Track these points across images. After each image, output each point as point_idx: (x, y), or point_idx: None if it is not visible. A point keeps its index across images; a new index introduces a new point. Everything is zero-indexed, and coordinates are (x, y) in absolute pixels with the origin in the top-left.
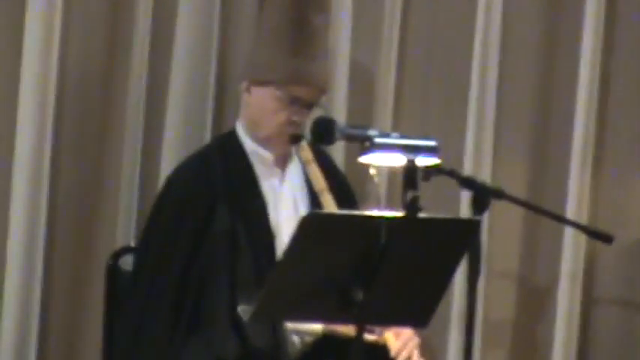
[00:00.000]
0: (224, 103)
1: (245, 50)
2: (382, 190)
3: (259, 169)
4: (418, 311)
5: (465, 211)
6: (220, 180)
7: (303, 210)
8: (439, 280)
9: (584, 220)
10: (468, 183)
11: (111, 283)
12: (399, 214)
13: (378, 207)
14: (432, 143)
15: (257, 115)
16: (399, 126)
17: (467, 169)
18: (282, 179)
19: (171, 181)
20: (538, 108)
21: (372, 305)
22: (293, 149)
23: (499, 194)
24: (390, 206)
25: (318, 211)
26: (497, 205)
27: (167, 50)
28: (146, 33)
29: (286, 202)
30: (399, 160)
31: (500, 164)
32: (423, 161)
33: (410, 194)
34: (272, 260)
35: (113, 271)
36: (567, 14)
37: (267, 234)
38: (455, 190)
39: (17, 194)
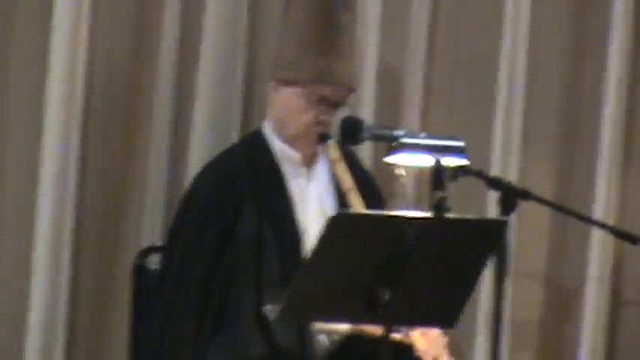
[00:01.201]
0: (252, 102)
1: (272, 49)
2: (409, 191)
3: (286, 169)
4: (445, 312)
5: (492, 211)
6: (247, 180)
7: (330, 210)
8: (466, 280)
9: (611, 221)
10: (495, 183)
11: (137, 282)
12: (426, 214)
13: (406, 207)
14: (459, 143)
15: (284, 115)
16: (426, 126)
17: (494, 170)
18: (309, 179)
19: (198, 180)
20: (566, 108)
21: (398, 305)
22: (320, 149)
23: (526, 195)
24: (417, 207)
25: (345, 210)
26: (524, 206)
27: (195, 50)
28: (174, 33)
29: (313, 201)
30: (426, 160)
31: (528, 165)
32: (450, 161)
33: (437, 195)
34: (298, 260)
35: (140, 270)
36: (595, 14)
37: (293, 234)
38: (482, 191)
39: (44, 194)
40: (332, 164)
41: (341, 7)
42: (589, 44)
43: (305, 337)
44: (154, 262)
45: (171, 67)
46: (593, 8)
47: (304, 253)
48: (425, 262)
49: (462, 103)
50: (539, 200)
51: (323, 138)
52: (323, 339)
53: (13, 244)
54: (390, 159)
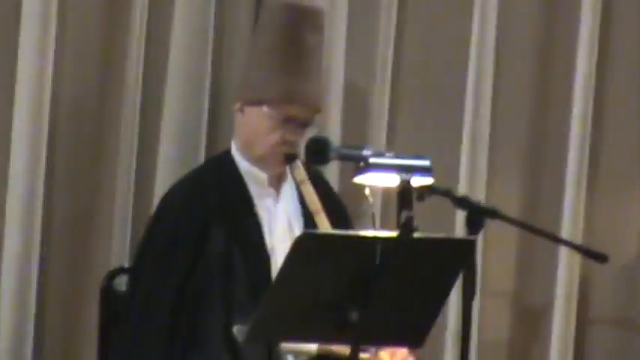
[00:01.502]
0: (218, 123)
1: (239, 70)
2: (377, 210)
3: (254, 190)
4: (413, 331)
5: (459, 230)
6: (215, 201)
7: (298, 230)
8: (434, 299)
9: (579, 239)
10: (462, 203)
11: (105, 304)
12: (394, 234)
13: (373, 227)
14: (426, 163)
15: (251, 135)
16: (393, 145)
17: (461, 189)
18: (276, 199)
19: (165, 202)
20: (532, 127)
21: (367, 325)
22: (287, 169)
23: (494, 214)
24: (384, 226)
25: (312, 231)
26: (491, 225)
27: (161, 71)
28: (140, 54)
29: (281, 222)
30: (393, 180)
31: (495, 184)
32: (417, 181)
33: (404, 214)
34: (267, 281)
35: (107, 291)
36: (561, 34)
37: (262, 254)
38: (450, 210)
39: (11, 215)
40: (299, 185)
41: (308, 28)
42: (556, 64)
43: (273, 357)
44: (121, 283)
45: (137, 90)
46: (560, 28)
47: (272, 273)
48: (393, 281)
49: (428, 122)
50: (507, 219)
51: (290, 158)
52: (291, 359)
53: None
54: (357, 179)
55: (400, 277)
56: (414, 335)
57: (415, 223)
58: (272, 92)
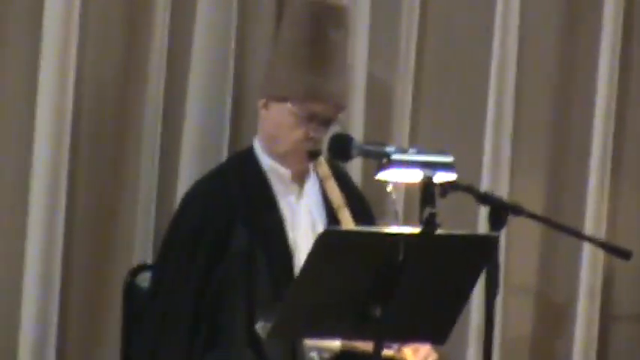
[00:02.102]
0: (241, 119)
1: (262, 66)
2: (399, 207)
3: (277, 186)
4: (436, 327)
5: (482, 226)
6: (237, 197)
7: (321, 227)
8: (457, 296)
9: (602, 235)
10: (485, 199)
11: (128, 301)
12: (417, 230)
13: (396, 223)
14: (449, 159)
15: (274, 132)
16: (416, 142)
17: (484, 185)
18: (299, 196)
19: (188, 198)
20: (555, 123)
21: (390, 321)
22: (310, 166)
23: (517, 210)
24: (407, 222)
25: (335, 227)
26: (514, 221)
27: (184, 67)
28: (162, 50)
29: (304, 218)
30: (416, 176)
31: (518, 180)
32: (440, 177)
33: (427, 210)
34: (290, 277)
35: (130, 288)
36: (585, 30)
37: (285, 251)
38: (472, 206)
39: (34, 211)
40: (322, 181)
41: (332, 25)
42: (578, 57)
43: (297, 354)
44: (144, 280)
45: (161, 81)
46: (583, 25)
47: (296, 270)
48: (416, 278)
49: (451, 117)
50: (530, 215)
51: (313, 155)
52: (314, 356)
53: (2, 264)
54: (380, 175)
55: (423, 274)
56: (436, 332)
57: (438, 219)
58: (296, 89)
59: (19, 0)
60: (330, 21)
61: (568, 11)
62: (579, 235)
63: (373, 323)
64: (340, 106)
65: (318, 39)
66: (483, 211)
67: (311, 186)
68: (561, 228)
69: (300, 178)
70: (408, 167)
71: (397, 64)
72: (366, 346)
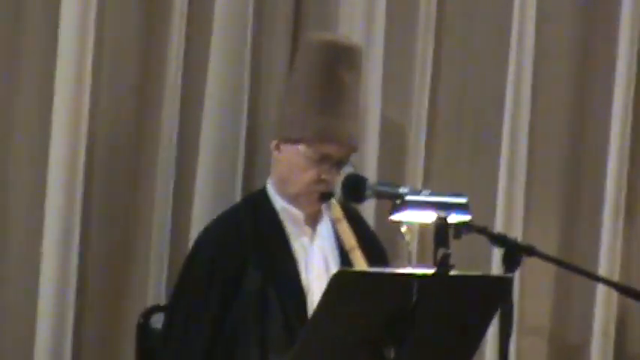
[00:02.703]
0: (254, 161)
1: (275, 107)
2: (413, 248)
3: (290, 228)
4: None
5: (496, 267)
6: (251, 239)
7: (334, 268)
8: (471, 337)
9: (616, 277)
10: (499, 240)
11: (141, 342)
12: (431, 271)
13: (410, 264)
14: (462, 200)
15: (287, 173)
16: (429, 183)
17: (498, 226)
18: (312, 237)
19: (201, 240)
20: (569, 165)
21: None
22: (323, 207)
23: (530, 251)
24: (421, 263)
25: (348, 269)
26: (528, 262)
27: (198, 108)
28: (176, 90)
29: (317, 260)
30: (430, 217)
31: (532, 221)
32: (454, 218)
33: (441, 251)
34: (303, 319)
35: (144, 329)
36: (599, 76)
37: (298, 293)
38: (486, 247)
39: (48, 251)
40: (335, 223)
41: (345, 66)
42: (592, 102)
43: None
44: (158, 321)
45: (174, 126)
46: (596, 70)
47: (309, 311)
48: (430, 319)
49: (465, 158)
50: (544, 256)
51: (325, 197)
52: None
53: (16, 305)
54: (394, 216)
55: (437, 315)
56: None
57: (452, 260)
58: (308, 131)
59: (33, 21)
60: (342, 62)
61: (581, 54)
62: (593, 277)
63: None
64: (352, 147)
65: (331, 80)
66: (497, 253)
67: (324, 227)
68: (575, 269)
69: (313, 220)
70: (421, 208)
71: (411, 106)
72: None
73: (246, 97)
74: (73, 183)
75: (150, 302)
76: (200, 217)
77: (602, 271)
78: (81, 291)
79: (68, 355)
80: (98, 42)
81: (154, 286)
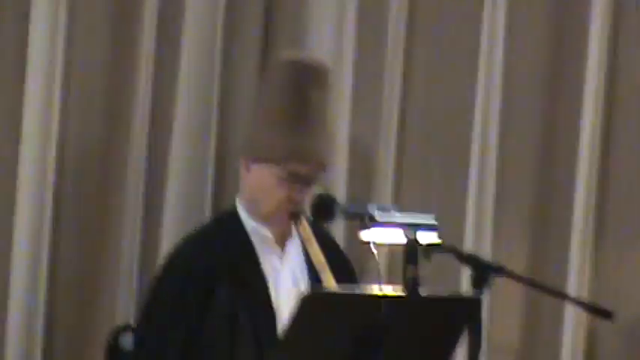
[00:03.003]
0: (224, 176)
1: (245, 127)
2: (382, 267)
3: (260, 247)
4: None
5: (465, 287)
6: (220, 259)
7: (304, 287)
8: (440, 357)
9: (584, 295)
10: (468, 259)
11: None
12: (399, 291)
13: (379, 283)
14: (432, 220)
15: (256, 193)
16: (399, 202)
17: (467, 245)
18: (282, 257)
19: (170, 261)
20: (538, 185)
21: None
22: (293, 226)
23: (500, 271)
24: (390, 282)
25: (317, 289)
26: (497, 282)
27: (166, 128)
28: (145, 110)
29: (286, 280)
30: (399, 236)
31: (501, 241)
32: (423, 238)
33: (410, 271)
34: (274, 339)
35: (113, 349)
36: (568, 86)
37: (268, 312)
38: (455, 267)
39: (17, 272)
40: (304, 242)
41: (314, 86)
42: (562, 119)
43: None
44: (127, 341)
45: (144, 141)
46: (566, 84)
47: (279, 331)
48: (399, 339)
49: (434, 177)
50: (513, 276)
51: (295, 216)
52: None
53: None
54: (363, 235)
55: (406, 335)
56: None
57: (421, 279)
58: (277, 151)
59: (2, 29)
60: (310, 81)
61: (551, 70)
62: (562, 296)
63: None
64: (322, 166)
65: (299, 100)
66: (466, 272)
67: (293, 246)
68: (544, 289)
69: (282, 239)
70: (391, 227)
71: (380, 124)
72: None
73: (215, 113)
74: (41, 200)
75: (119, 321)
76: (169, 236)
77: (571, 289)
78: (49, 310)
79: None
80: (68, 51)
81: (124, 305)
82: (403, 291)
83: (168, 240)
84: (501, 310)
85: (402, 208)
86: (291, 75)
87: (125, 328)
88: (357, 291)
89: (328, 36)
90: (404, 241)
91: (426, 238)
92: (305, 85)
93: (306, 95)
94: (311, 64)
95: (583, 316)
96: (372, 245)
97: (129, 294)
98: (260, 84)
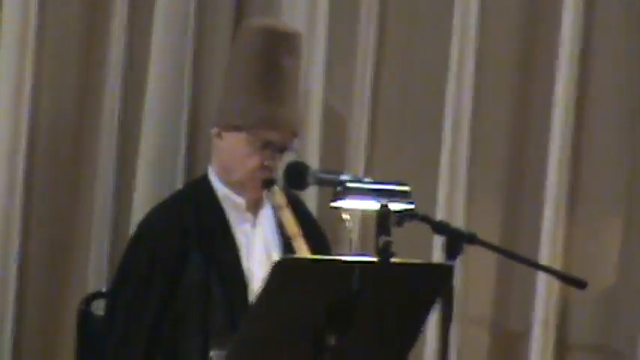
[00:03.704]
0: (196, 148)
1: (217, 95)
2: (355, 235)
3: (232, 215)
4: (391, 356)
5: (438, 255)
6: (193, 226)
7: (276, 255)
8: (412, 325)
9: (557, 265)
10: (440, 228)
11: (82, 328)
12: (372, 259)
13: (351, 252)
14: (404, 188)
15: (229, 160)
16: (371, 170)
17: (440, 214)
18: (254, 225)
19: (143, 227)
20: (511, 154)
21: (345, 350)
22: (265, 194)
23: (472, 239)
24: (362, 251)
25: (289, 256)
26: (470, 250)
27: (138, 95)
28: (117, 79)
29: (259, 247)
30: (372, 205)
31: (474, 209)
32: (395, 206)
33: (382, 239)
34: (245, 306)
35: (85, 316)
36: (541, 56)
37: (240, 280)
38: (428, 235)
39: None
40: (277, 210)
41: (285, 52)
42: (535, 88)
43: None
44: (99, 308)
45: (116, 109)
46: (540, 50)
47: (250, 298)
48: (371, 306)
49: (407, 147)
50: (485, 245)
51: (268, 183)
52: None
53: None
54: (335, 204)
55: (378, 303)
56: None
57: (393, 248)
58: (250, 118)
59: None
60: (282, 48)
61: (526, 41)
62: (535, 265)
63: (328, 352)
64: (294, 133)
65: (271, 66)
66: (439, 240)
67: (266, 214)
68: (516, 257)
69: (255, 207)
70: (363, 196)
71: (353, 93)
72: None
73: (187, 84)
74: (13, 165)
75: (91, 288)
76: (141, 203)
77: (543, 259)
78: (21, 276)
79: (8, 342)
80: (40, 24)
81: (95, 271)
82: (376, 258)
83: (140, 208)
84: (473, 278)
85: (374, 177)
86: (264, 42)
87: (96, 294)
88: (330, 258)
89: (302, 3)
90: (376, 208)
91: (399, 206)
92: (277, 52)
93: (279, 62)
94: (282, 31)
95: (555, 286)
96: (343, 215)
97: (100, 260)
98: (232, 52)
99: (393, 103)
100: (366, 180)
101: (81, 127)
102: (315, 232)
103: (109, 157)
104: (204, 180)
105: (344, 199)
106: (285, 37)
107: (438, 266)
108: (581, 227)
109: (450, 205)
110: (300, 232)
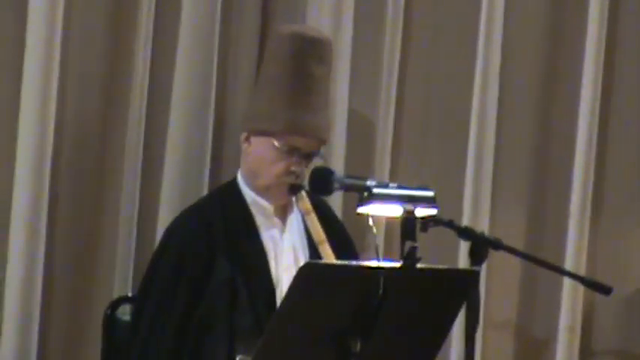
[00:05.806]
0: (222, 153)
1: (244, 100)
2: (380, 241)
3: (259, 220)
4: None
5: (463, 261)
6: (220, 230)
7: (303, 260)
8: (437, 330)
9: (582, 271)
10: (466, 233)
11: (108, 333)
12: (397, 264)
13: (377, 257)
14: (430, 194)
15: (256, 166)
16: (397, 176)
17: (465, 220)
18: (282, 229)
19: (171, 231)
20: (536, 159)
21: (370, 355)
22: (292, 199)
23: (497, 245)
24: (388, 256)
25: (315, 261)
26: (495, 255)
27: (165, 100)
28: (144, 84)
29: (286, 252)
30: (397, 210)
31: (499, 215)
32: (421, 212)
33: (408, 244)
34: (272, 311)
35: (111, 320)
36: (566, 66)
37: (267, 284)
38: (453, 241)
39: (14, 244)
40: (304, 215)
41: (315, 59)
42: (560, 97)
43: None
44: (125, 312)
45: (142, 116)
46: (565, 61)
47: (277, 303)
48: (396, 312)
49: (432, 152)
50: (510, 250)
51: (294, 189)
52: None
53: None
54: (361, 209)
55: (403, 308)
56: None
57: (418, 253)
58: (278, 124)
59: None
60: (312, 55)
61: (550, 47)
62: (559, 270)
63: (353, 357)
64: (322, 140)
65: (300, 73)
66: (464, 246)
67: (294, 219)
68: (541, 263)
69: (282, 212)
70: (389, 202)
71: (378, 99)
72: None
73: (213, 90)
74: (40, 172)
75: (116, 293)
76: (167, 208)
77: (568, 265)
78: (47, 281)
79: (34, 345)
80: (65, 34)
81: (121, 277)
82: (401, 264)
83: (166, 213)
84: (499, 284)
85: (400, 183)
86: (293, 47)
87: (122, 299)
88: (355, 264)
89: (327, 10)
90: (401, 214)
91: (424, 211)
92: (307, 58)
93: (307, 68)
94: (313, 37)
95: (580, 291)
96: (369, 220)
97: (126, 266)
98: (260, 56)
99: (418, 108)
100: (392, 185)
101: (106, 134)
102: (341, 237)
103: (134, 164)
104: (233, 184)
105: (370, 204)
106: (315, 44)
107: (464, 272)
108: (605, 234)
109: (475, 210)
110: (326, 238)
